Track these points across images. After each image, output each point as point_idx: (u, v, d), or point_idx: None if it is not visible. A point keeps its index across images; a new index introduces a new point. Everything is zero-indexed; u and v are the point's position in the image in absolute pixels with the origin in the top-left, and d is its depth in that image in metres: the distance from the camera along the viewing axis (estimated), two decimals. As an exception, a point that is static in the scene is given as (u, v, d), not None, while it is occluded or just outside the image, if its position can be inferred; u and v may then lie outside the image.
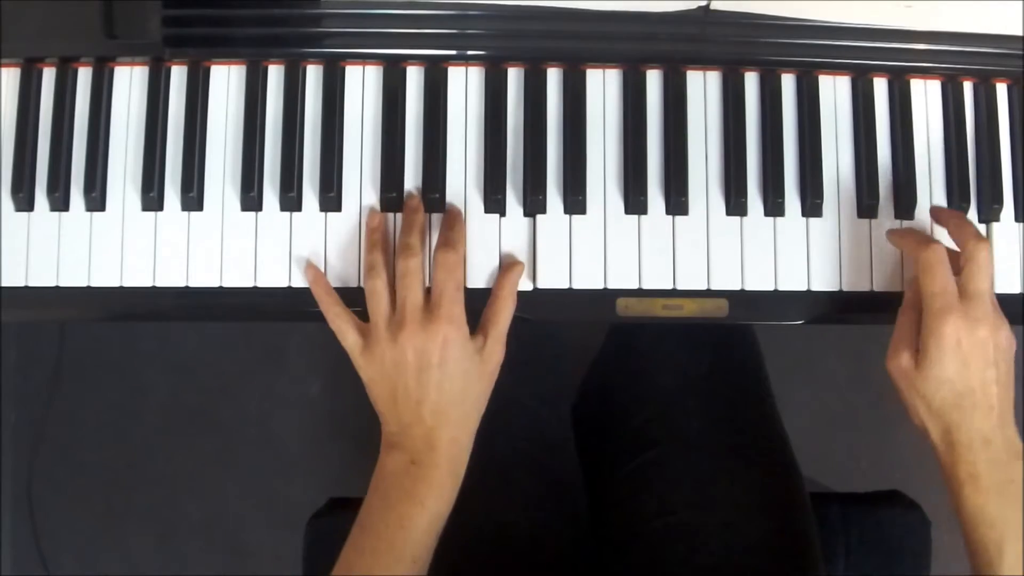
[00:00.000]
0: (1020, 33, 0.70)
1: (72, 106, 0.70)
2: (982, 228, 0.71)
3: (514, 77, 0.71)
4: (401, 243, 0.67)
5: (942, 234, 0.70)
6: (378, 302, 0.65)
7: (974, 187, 0.72)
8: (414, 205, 0.69)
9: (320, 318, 0.68)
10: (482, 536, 0.77)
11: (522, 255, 0.69)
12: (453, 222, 0.69)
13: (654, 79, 0.71)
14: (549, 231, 0.70)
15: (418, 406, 0.64)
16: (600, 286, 0.69)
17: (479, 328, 0.66)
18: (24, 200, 0.69)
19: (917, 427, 0.65)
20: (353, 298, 0.68)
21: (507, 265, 0.69)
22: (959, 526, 0.63)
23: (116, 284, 0.69)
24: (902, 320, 0.66)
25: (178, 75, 0.71)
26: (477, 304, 0.67)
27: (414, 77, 0.71)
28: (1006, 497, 0.61)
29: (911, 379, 0.64)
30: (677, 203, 0.70)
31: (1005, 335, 0.63)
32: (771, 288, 0.70)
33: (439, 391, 0.64)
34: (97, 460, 1.46)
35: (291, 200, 0.69)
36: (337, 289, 0.68)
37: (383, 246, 0.68)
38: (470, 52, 0.71)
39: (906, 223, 0.71)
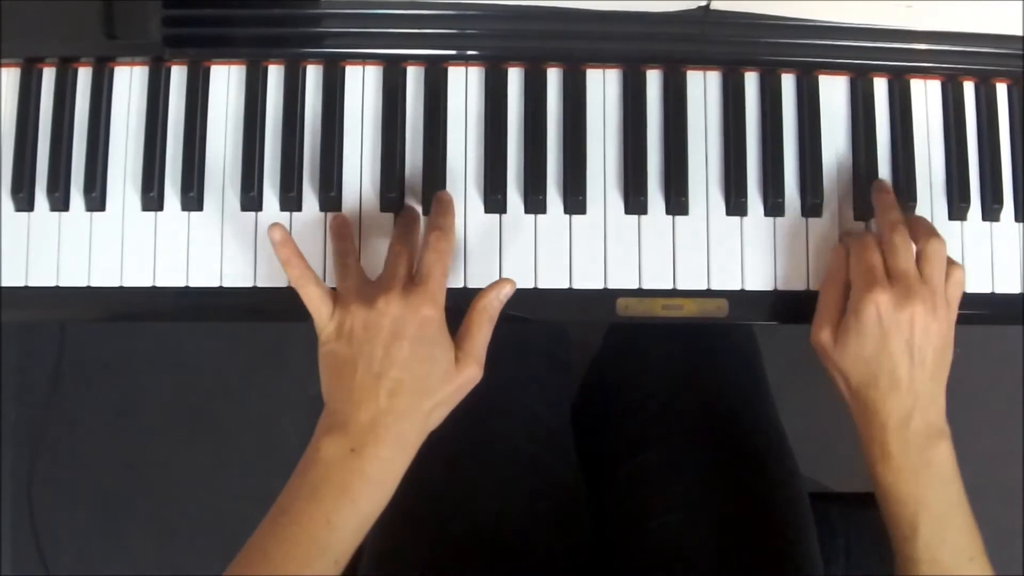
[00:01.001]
0: (1020, 33, 0.70)
1: (72, 106, 0.70)
2: (984, 228, 0.72)
3: (514, 77, 0.71)
4: (396, 235, 0.66)
5: (954, 234, 0.70)
6: (350, 272, 0.64)
7: (974, 187, 0.72)
8: (409, 213, 0.69)
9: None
10: (481, 535, 0.77)
11: (522, 255, 0.69)
12: (445, 209, 0.67)
13: (654, 79, 0.71)
14: (549, 231, 0.70)
15: (376, 380, 0.60)
16: (600, 286, 0.69)
17: (456, 339, 0.64)
18: (24, 200, 0.69)
19: (842, 402, 0.66)
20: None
21: (495, 282, 0.66)
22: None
23: (116, 284, 0.69)
24: (825, 295, 0.66)
25: (178, 75, 0.71)
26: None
27: (414, 77, 0.71)
28: (921, 479, 0.61)
29: (830, 354, 0.64)
30: (677, 203, 0.70)
31: (938, 318, 0.62)
32: (771, 288, 0.70)
33: (403, 368, 0.60)
34: (97, 460, 1.46)
35: (291, 200, 0.69)
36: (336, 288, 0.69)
37: (352, 234, 0.68)
38: (470, 52, 0.71)
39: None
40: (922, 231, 0.65)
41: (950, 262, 0.65)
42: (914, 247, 0.64)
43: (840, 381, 0.65)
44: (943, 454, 0.62)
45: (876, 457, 0.62)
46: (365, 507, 0.59)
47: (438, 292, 0.62)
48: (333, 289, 0.65)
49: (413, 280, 0.63)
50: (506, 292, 0.66)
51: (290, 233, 0.66)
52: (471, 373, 0.63)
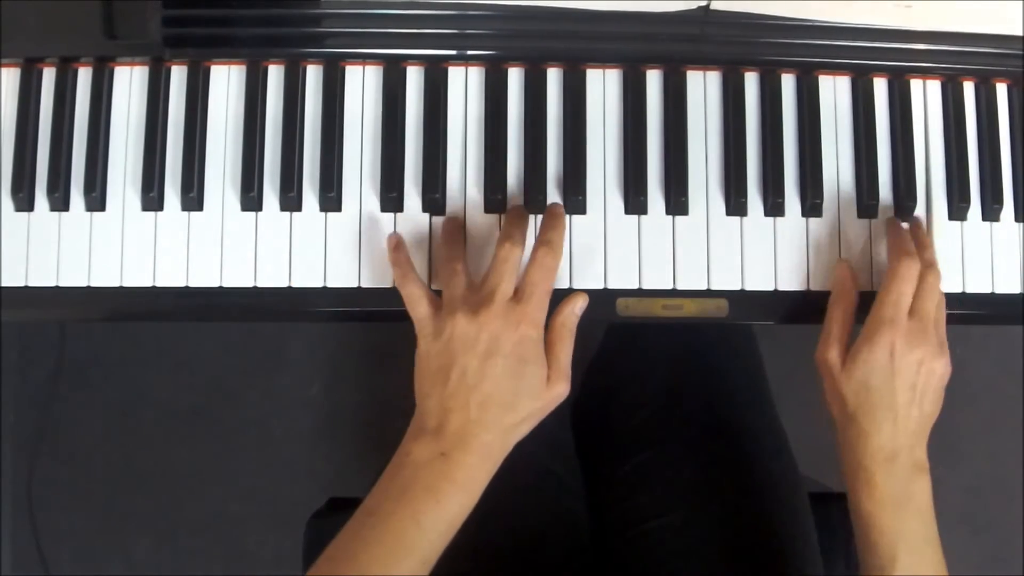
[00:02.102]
0: (1020, 33, 0.70)
1: (72, 106, 0.70)
2: (984, 228, 0.72)
3: (514, 77, 0.71)
4: (507, 231, 0.65)
5: (954, 234, 0.70)
6: (458, 278, 0.64)
7: (974, 187, 0.72)
8: (521, 209, 0.68)
9: (320, 319, 0.68)
10: (480, 535, 0.77)
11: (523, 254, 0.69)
12: (556, 223, 0.66)
13: (654, 79, 0.71)
14: (549, 231, 0.69)
15: (469, 392, 0.61)
16: (600, 286, 0.69)
17: (544, 354, 0.64)
18: (24, 200, 0.69)
19: (830, 416, 0.66)
20: (353, 298, 0.69)
21: (569, 297, 0.66)
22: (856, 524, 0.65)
23: (116, 284, 0.69)
24: (833, 313, 0.66)
25: (178, 75, 0.71)
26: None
27: (414, 77, 0.71)
28: (902, 511, 0.63)
29: (835, 377, 0.65)
30: (677, 203, 0.70)
31: (941, 365, 0.64)
32: (771, 288, 0.70)
33: (495, 384, 0.61)
34: (97, 460, 1.46)
35: (291, 200, 0.69)
36: (337, 288, 0.69)
37: (462, 237, 0.68)
38: (470, 52, 0.71)
39: (906, 223, 0.71)
40: (927, 261, 0.66)
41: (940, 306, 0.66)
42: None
43: (835, 403, 0.65)
44: (923, 489, 0.63)
45: (860, 485, 0.63)
46: (452, 510, 0.60)
47: (540, 312, 0.63)
48: (436, 292, 0.65)
49: (516, 295, 0.63)
50: (581, 305, 0.66)
51: (402, 238, 0.68)
52: (560, 390, 0.64)
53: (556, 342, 0.64)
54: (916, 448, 0.63)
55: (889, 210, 0.71)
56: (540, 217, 0.68)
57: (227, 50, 0.71)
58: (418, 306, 0.64)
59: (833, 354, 0.65)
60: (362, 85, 0.71)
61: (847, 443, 0.65)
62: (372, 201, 0.70)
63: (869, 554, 0.64)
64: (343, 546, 0.60)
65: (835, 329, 0.66)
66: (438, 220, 0.69)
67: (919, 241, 0.68)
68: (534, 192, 0.69)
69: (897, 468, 0.63)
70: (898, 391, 0.62)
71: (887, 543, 0.62)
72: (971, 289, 0.71)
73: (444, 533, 0.60)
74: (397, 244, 0.67)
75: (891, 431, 0.63)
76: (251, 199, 0.69)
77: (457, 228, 0.69)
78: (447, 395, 0.61)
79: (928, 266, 0.65)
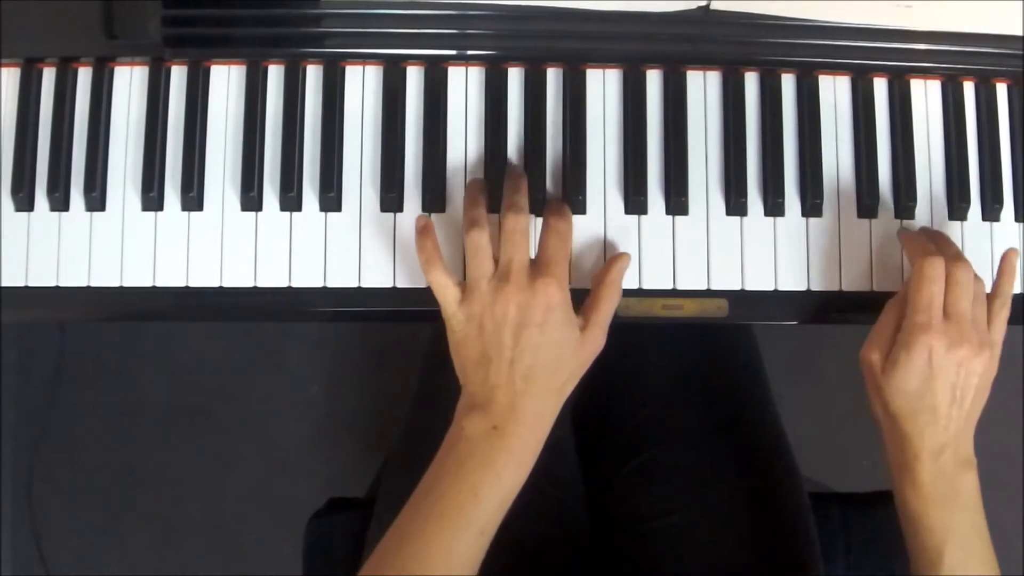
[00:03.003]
0: (1020, 33, 0.70)
1: (72, 106, 0.70)
2: (984, 228, 0.72)
3: (514, 77, 0.71)
4: (509, 201, 0.65)
5: (954, 234, 0.70)
6: (482, 257, 0.64)
7: (974, 187, 0.72)
8: (517, 171, 0.69)
9: (320, 319, 0.68)
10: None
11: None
12: (561, 205, 0.68)
13: (654, 79, 0.71)
14: (549, 231, 0.69)
15: (511, 367, 0.62)
16: (600, 286, 0.69)
17: (581, 312, 0.65)
18: (24, 200, 0.69)
19: (873, 418, 0.66)
20: (353, 298, 0.69)
21: (616, 256, 0.68)
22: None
23: (116, 284, 0.69)
24: (887, 315, 0.66)
25: (178, 75, 0.71)
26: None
27: (414, 77, 0.71)
28: (949, 507, 0.62)
29: (876, 379, 0.64)
30: (677, 203, 0.70)
31: (983, 361, 0.63)
32: (771, 288, 0.70)
33: (534, 354, 0.62)
34: (97, 460, 1.46)
35: (291, 200, 0.69)
36: (337, 288, 0.69)
37: (485, 203, 0.67)
38: (470, 52, 0.71)
39: (906, 223, 0.71)
40: (952, 256, 0.65)
41: (999, 302, 0.66)
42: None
43: (878, 404, 0.65)
44: (970, 484, 0.63)
45: (906, 484, 0.63)
46: (508, 481, 0.61)
47: (563, 275, 0.63)
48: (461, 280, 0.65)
49: (536, 264, 0.63)
50: (625, 263, 0.68)
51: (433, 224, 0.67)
52: (597, 343, 0.65)
53: (603, 299, 0.65)
54: (961, 445, 0.63)
55: (889, 210, 0.71)
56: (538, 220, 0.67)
57: (227, 50, 0.71)
58: (446, 293, 0.64)
59: (876, 356, 0.64)
60: (362, 85, 0.71)
61: (891, 444, 0.65)
62: (372, 201, 0.70)
63: (917, 552, 0.63)
64: (405, 524, 0.61)
65: (883, 332, 0.65)
66: (438, 218, 0.69)
67: (938, 241, 0.68)
68: (534, 192, 0.69)
69: (942, 466, 0.62)
70: (939, 393, 0.62)
71: (936, 540, 0.62)
72: (971, 289, 0.70)
73: (501, 503, 0.61)
74: (424, 227, 0.66)
75: (933, 432, 0.62)
76: (251, 199, 0.69)
77: (478, 191, 0.68)
78: (490, 375, 0.62)
79: (954, 262, 0.64)
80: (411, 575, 0.59)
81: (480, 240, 0.64)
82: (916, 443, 0.63)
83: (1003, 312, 0.66)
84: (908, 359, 0.62)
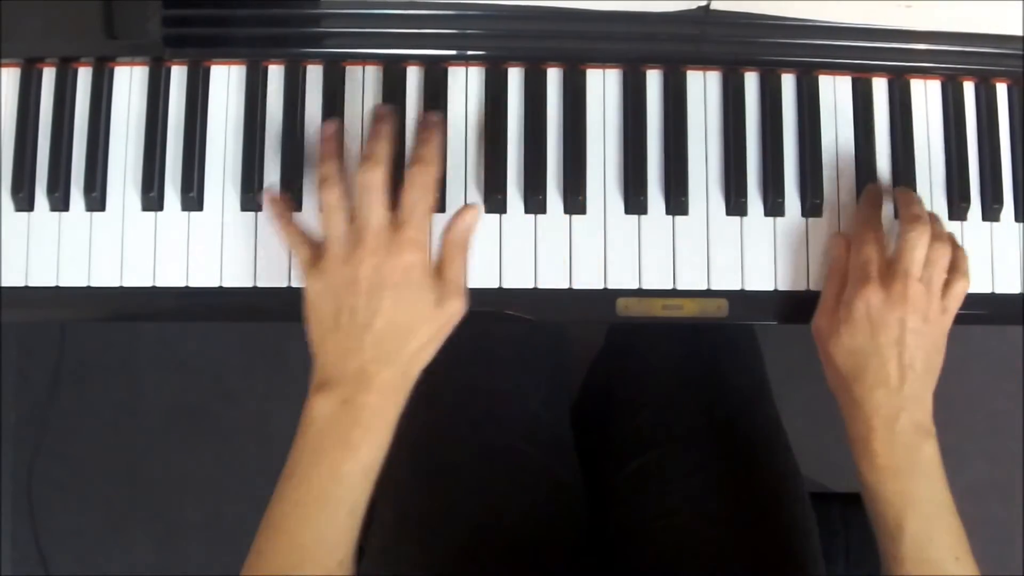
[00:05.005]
0: (1020, 33, 0.70)
1: (72, 106, 0.70)
2: (984, 228, 0.72)
3: (514, 77, 0.71)
4: (367, 150, 0.61)
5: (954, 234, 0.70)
6: (334, 217, 0.61)
7: (974, 187, 0.72)
8: (382, 113, 0.65)
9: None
10: (482, 536, 0.77)
11: (522, 255, 0.69)
12: (428, 137, 0.64)
13: (654, 79, 0.71)
14: (549, 231, 0.70)
15: (362, 331, 0.59)
16: (600, 286, 0.69)
17: (434, 275, 0.62)
18: (24, 200, 0.69)
19: (832, 393, 0.66)
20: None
21: (459, 210, 0.64)
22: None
23: (116, 284, 0.69)
24: (828, 284, 0.67)
25: (178, 75, 0.71)
26: (474, 306, 0.66)
27: (414, 77, 0.71)
28: (908, 477, 0.61)
29: (824, 343, 0.64)
30: (677, 203, 0.70)
31: (928, 320, 0.62)
32: (771, 288, 0.70)
33: (387, 319, 0.59)
34: (97, 460, 1.46)
35: (291, 200, 0.69)
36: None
37: (339, 157, 0.64)
38: (470, 52, 0.71)
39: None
40: (934, 232, 0.65)
41: (957, 272, 0.65)
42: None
43: (831, 373, 0.65)
44: (929, 453, 0.62)
45: (862, 455, 0.63)
46: (367, 455, 0.59)
47: (421, 233, 0.60)
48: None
49: (394, 218, 0.60)
50: (471, 217, 0.65)
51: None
52: (454, 307, 0.62)
53: (447, 259, 0.63)
54: (916, 411, 0.62)
55: (889, 210, 0.71)
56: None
57: (227, 50, 0.71)
58: (301, 252, 0.62)
59: (823, 321, 0.65)
60: (362, 85, 0.71)
61: (847, 416, 0.64)
62: (372, 201, 0.70)
63: (878, 526, 0.63)
64: (273, 516, 0.59)
65: (827, 299, 0.65)
66: (438, 218, 0.69)
67: (905, 199, 0.67)
68: (534, 192, 0.69)
69: (898, 435, 0.61)
70: (883, 350, 0.62)
71: (894, 512, 0.61)
72: (971, 289, 0.70)
73: (364, 478, 0.59)
74: (272, 198, 0.64)
75: (884, 393, 0.62)
76: (251, 199, 0.69)
77: (332, 145, 0.64)
78: (340, 340, 0.60)
79: (911, 222, 0.64)
80: (289, 567, 0.57)
81: (330, 197, 0.61)
82: (867, 407, 0.62)
83: (961, 283, 0.65)
84: (848, 315, 0.62)
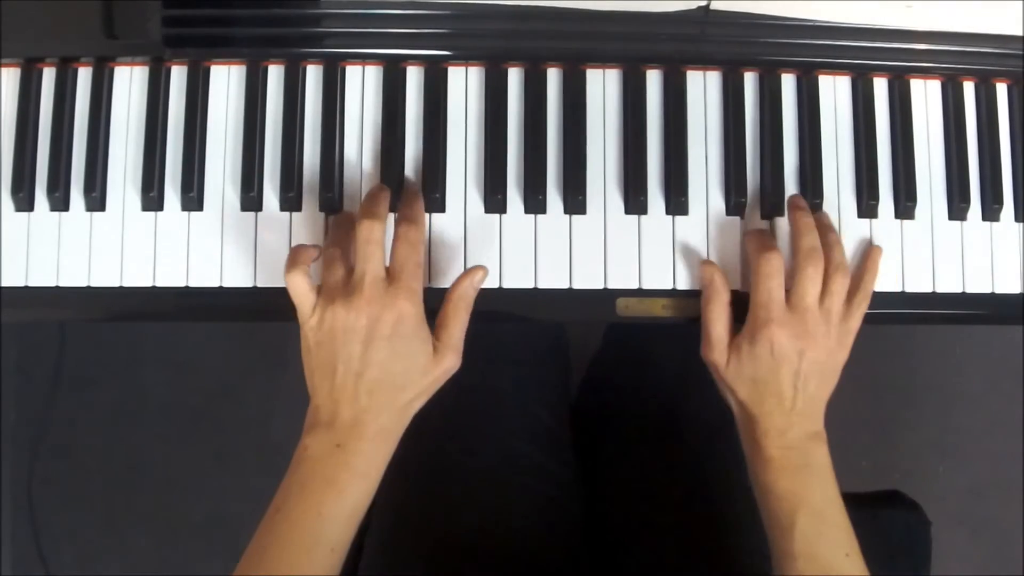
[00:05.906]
0: (1020, 33, 0.70)
1: (72, 106, 0.70)
2: (984, 228, 0.72)
3: (514, 77, 0.71)
4: (364, 210, 0.64)
5: (954, 234, 0.70)
6: (336, 266, 0.64)
7: (974, 187, 0.72)
8: (378, 188, 0.68)
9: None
10: (480, 536, 0.77)
11: (522, 255, 0.69)
12: (412, 200, 0.67)
13: (654, 79, 0.71)
14: (549, 231, 0.70)
15: (357, 380, 0.61)
16: (600, 286, 0.69)
17: (434, 330, 0.64)
18: (24, 200, 0.69)
19: (724, 403, 0.68)
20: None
21: (468, 270, 0.66)
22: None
23: (116, 284, 0.69)
24: (711, 314, 0.66)
25: (178, 75, 0.71)
26: (476, 305, 0.66)
27: (414, 77, 0.71)
28: (798, 476, 0.64)
29: (722, 373, 0.66)
30: (677, 203, 0.70)
31: (826, 350, 0.64)
32: (771, 288, 0.70)
33: (382, 368, 0.61)
34: (97, 460, 1.46)
35: (291, 200, 0.69)
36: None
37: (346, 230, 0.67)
38: (470, 52, 0.71)
39: (906, 223, 0.71)
40: (832, 263, 0.65)
41: (859, 296, 0.66)
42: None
43: (728, 394, 0.67)
44: (820, 454, 0.65)
45: (756, 458, 0.65)
46: (352, 498, 0.61)
47: (413, 284, 0.62)
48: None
49: (388, 274, 0.63)
50: (479, 279, 0.66)
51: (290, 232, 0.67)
52: (449, 363, 0.64)
53: (451, 315, 0.64)
54: (807, 422, 0.65)
55: (889, 210, 0.71)
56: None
57: (227, 50, 0.71)
58: (302, 297, 0.63)
59: (716, 354, 0.66)
60: (362, 85, 0.71)
61: (743, 429, 0.67)
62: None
63: (771, 523, 0.65)
64: (257, 544, 0.61)
65: (714, 330, 0.66)
66: (438, 219, 0.69)
67: (798, 226, 0.67)
68: (534, 192, 0.69)
69: (789, 440, 0.64)
70: (782, 381, 0.64)
71: (787, 508, 0.63)
72: (971, 289, 0.71)
73: (349, 520, 0.61)
74: (300, 251, 0.65)
75: (781, 413, 0.64)
76: (251, 199, 0.69)
77: (345, 217, 0.68)
78: (336, 387, 0.61)
79: (806, 255, 0.65)
80: None
81: (334, 252, 0.64)
82: (764, 423, 0.65)
83: (862, 306, 0.67)
84: (751, 351, 0.64)
